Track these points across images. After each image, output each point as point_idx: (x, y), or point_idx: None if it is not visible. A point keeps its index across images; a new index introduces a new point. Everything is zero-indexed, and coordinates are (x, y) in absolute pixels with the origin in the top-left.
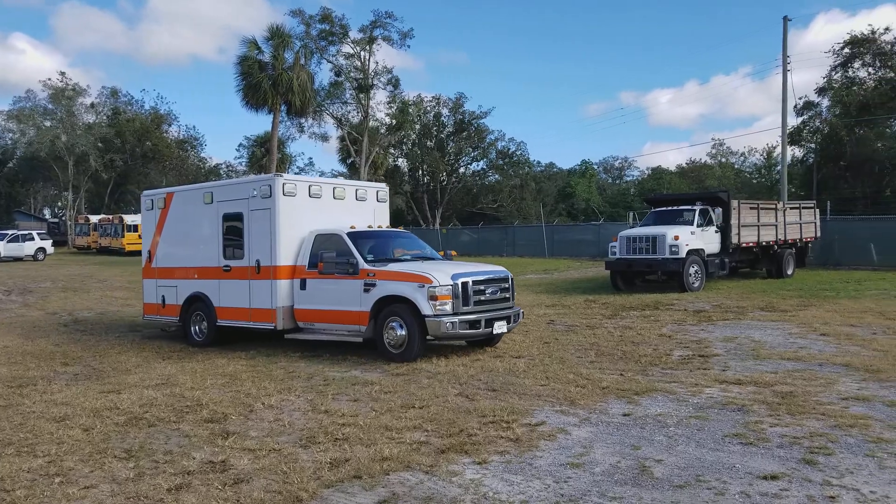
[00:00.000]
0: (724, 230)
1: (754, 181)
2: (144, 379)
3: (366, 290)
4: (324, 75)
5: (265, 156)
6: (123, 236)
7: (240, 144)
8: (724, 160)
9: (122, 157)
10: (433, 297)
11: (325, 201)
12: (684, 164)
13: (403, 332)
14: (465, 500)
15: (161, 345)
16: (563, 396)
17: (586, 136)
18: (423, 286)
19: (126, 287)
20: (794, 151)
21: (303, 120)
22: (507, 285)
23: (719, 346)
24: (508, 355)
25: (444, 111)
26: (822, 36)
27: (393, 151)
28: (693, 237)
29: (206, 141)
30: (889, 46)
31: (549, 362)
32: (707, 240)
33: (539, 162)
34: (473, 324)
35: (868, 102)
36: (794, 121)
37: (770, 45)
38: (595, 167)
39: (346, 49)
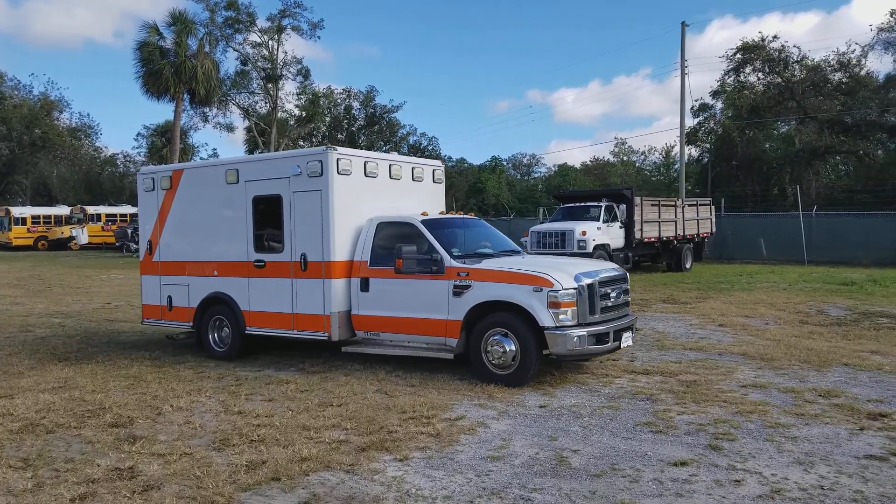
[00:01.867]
0: (628, 226)
1: (654, 179)
2: (39, 382)
3: (456, 294)
4: (230, 64)
5: (166, 146)
6: (10, 230)
7: (138, 134)
8: (625, 158)
9: (9, 145)
10: (554, 305)
11: (381, 181)
12: (588, 162)
13: (513, 349)
14: (387, 497)
15: (56, 345)
16: (482, 390)
17: (496, 132)
18: (541, 290)
19: (15, 284)
20: (691, 151)
21: (207, 109)
22: (627, 286)
23: None
24: None
25: (356, 104)
26: (717, 41)
27: (303, 144)
28: (599, 232)
29: (102, 129)
30: (777, 53)
31: None
32: (612, 235)
33: (450, 157)
34: (601, 337)
35: (757, 105)
36: (690, 122)
37: (669, 48)
38: (504, 163)
39: (254, 38)
